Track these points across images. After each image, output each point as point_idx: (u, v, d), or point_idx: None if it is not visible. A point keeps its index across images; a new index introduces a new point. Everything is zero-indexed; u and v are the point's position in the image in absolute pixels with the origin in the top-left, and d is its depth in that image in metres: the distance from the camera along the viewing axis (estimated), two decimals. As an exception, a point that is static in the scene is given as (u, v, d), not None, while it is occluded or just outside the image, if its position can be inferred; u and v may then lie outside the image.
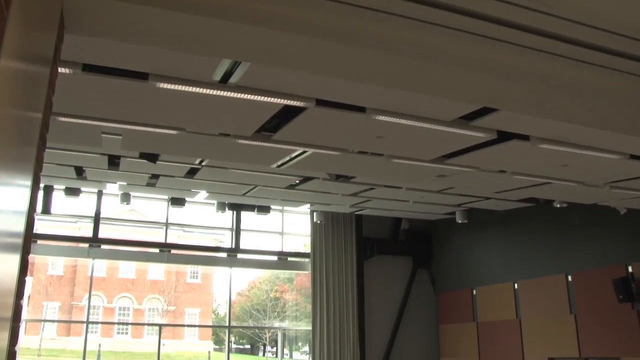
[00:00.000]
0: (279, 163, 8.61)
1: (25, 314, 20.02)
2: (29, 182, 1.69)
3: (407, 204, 12.52)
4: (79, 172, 10.67)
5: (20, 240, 1.61)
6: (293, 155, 8.19)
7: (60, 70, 4.91)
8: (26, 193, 1.68)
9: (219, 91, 5.59)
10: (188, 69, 5.22)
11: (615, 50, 4.80)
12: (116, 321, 35.39)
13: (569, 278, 12.11)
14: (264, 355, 34.73)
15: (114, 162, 9.58)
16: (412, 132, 6.73)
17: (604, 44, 4.70)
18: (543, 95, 5.35)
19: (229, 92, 5.62)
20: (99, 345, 27.24)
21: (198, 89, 5.54)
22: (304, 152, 7.97)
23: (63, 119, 6.54)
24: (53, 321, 34.55)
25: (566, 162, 7.87)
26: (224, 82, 5.52)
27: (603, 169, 8.29)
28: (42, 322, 32.92)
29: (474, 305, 14.33)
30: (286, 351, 27.90)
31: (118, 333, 34.22)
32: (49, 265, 33.95)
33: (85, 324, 16.75)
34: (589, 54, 4.82)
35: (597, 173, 8.59)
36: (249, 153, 8.05)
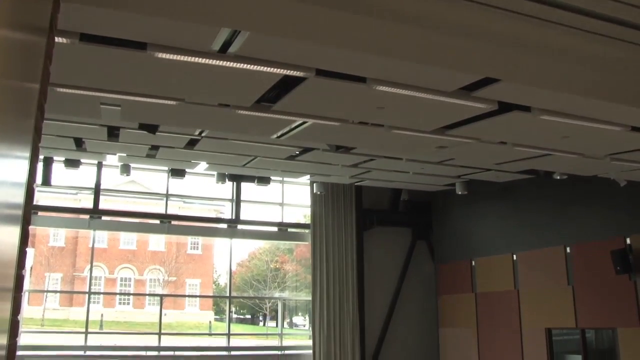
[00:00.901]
0: (279, 134, 8.58)
1: (27, 285, 20.16)
2: (27, 154, 1.68)
3: (407, 175, 12.51)
4: (79, 143, 10.64)
5: (20, 212, 1.61)
6: (293, 126, 8.15)
7: (58, 40, 4.86)
8: (25, 164, 1.67)
9: (218, 61, 5.54)
10: (187, 38, 5.16)
11: (619, 20, 4.74)
12: (118, 292, 35.72)
13: (568, 250, 12.18)
14: (264, 325, 35.13)
15: (113, 133, 9.55)
16: (412, 102, 6.69)
17: (609, 13, 4.64)
18: (545, 65, 5.31)
19: (228, 62, 5.57)
20: (101, 315, 27.58)
21: (197, 58, 5.49)
22: (303, 122, 7.94)
23: (61, 89, 6.49)
24: (55, 292, 34.88)
25: (567, 133, 7.84)
26: (223, 52, 5.47)
27: (604, 141, 8.27)
28: (45, 293, 33.23)
29: (473, 276, 14.44)
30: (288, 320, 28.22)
31: (120, 303, 34.59)
32: (50, 236, 34.16)
33: (87, 295, 16.89)
34: (593, 23, 4.76)
35: (597, 145, 8.57)
36: (248, 124, 8.02)
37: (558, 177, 11.37)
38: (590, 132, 7.64)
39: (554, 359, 12.26)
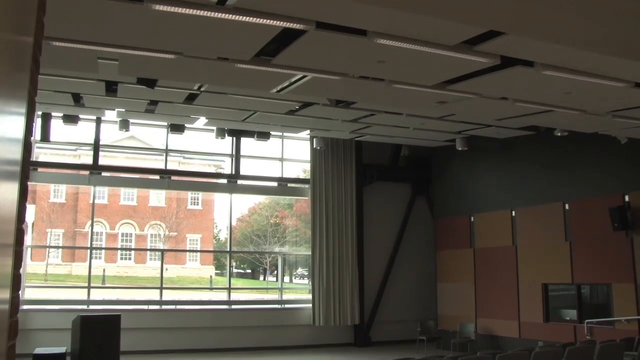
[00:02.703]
0: (279, 88, 8.50)
1: (29, 241, 20.35)
2: (23, 107, 1.66)
3: (407, 130, 12.47)
4: (77, 99, 10.56)
5: (18, 168, 1.59)
6: (293, 80, 8.07)
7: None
8: (21, 119, 1.64)
9: (216, 13, 5.44)
10: (184, -10, 5.05)
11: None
12: (119, 247, 36.05)
13: (566, 206, 12.23)
14: (264, 279, 35.58)
15: (111, 88, 9.46)
16: (413, 56, 6.60)
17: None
18: (550, 18, 5.21)
19: (227, 14, 5.47)
20: (104, 270, 27.87)
21: (195, 11, 5.38)
22: (303, 76, 7.85)
23: (57, 43, 6.40)
24: (57, 247, 35.19)
25: (569, 89, 7.76)
26: (221, 4, 5.37)
27: (606, 98, 8.20)
28: (47, 249, 33.52)
29: (472, 232, 14.55)
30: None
31: (121, 258, 34.95)
32: (51, 193, 34.25)
33: (89, 250, 17.05)
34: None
35: (600, 101, 8.50)
36: (248, 78, 7.94)
37: (559, 134, 11.34)
38: (593, 88, 7.57)
39: (549, 313, 12.46)
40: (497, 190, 14.08)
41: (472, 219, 14.57)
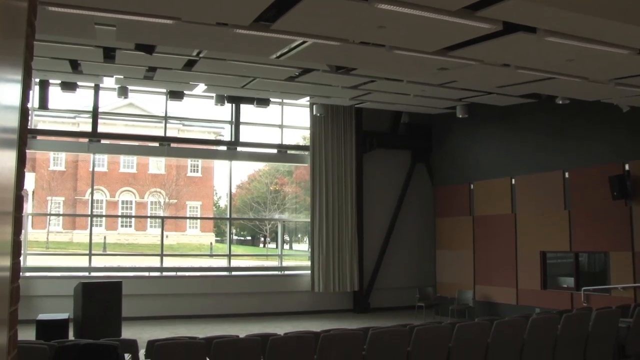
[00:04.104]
0: (278, 54, 8.41)
1: (30, 209, 20.43)
2: (19, 75, 1.63)
3: (407, 97, 12.39)
4: (74, 65, 10.46)
5: (15, 135, 1.58)
6: (292, 45, 7.98)
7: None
8: (18, 86, 1.62)
9: (214, -22, 5.35)
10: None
11: None
12: (119, 214, 36.20)
13: (566, 175, 12.23)
14: (264, 246, 35.82)
15: (109, 54, 9.36)
16: (415, 22, 6.51)
17: None
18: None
19: (226, -20, 5.38)
20: (104, 237, 28.04)
21: (193, -25, 5.29)
22: (303, 42, 7.76)
23: (54, 8, 6.31)
24: (58, 215, 35.34)
25: (572, 56, 7.68)
26: (219, -31, 5.27)
27: (610, 65, 8.11)
28: (48, 217, 33.66)
29: (471, 200, 14.58)
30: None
31: (122, 226, 35.14)
32: (50, 160, 34.24)
33: (89, 218, 17.11)
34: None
35: (603, 69, 8.42)
36: (247, 43, 7.85)
37: (560, 102, 11.25)
38: (596, 55, 7.49)
39: (547, 281, 12.57)
40: (497, 158, 14.07)
41: (472, 186, 14.58)
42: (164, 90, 13.73)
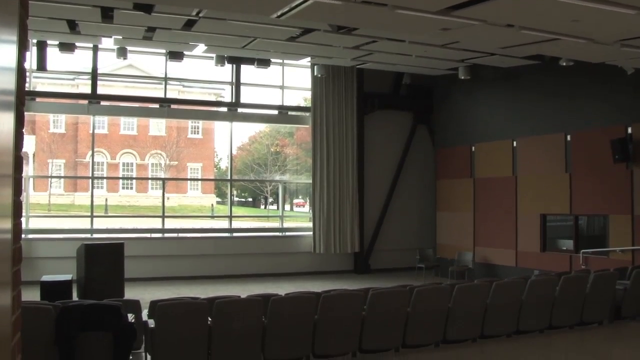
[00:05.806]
0: (279, 13, 8.27)
1: (31, 172, 20.44)
2: (14, 35, 1.60)
3: (409, 58, 12.26)
4: (72, 26, 10.32)
5: (12, 97, 1.56)
6: (293, 4, 7.84)
7: None
8: (13, 46, 1.60)
9: None
10: None
11: None
12: (120, 176, 36.26)
13: (568, 137, 12.17)
14: (265, 207, 35.96)
15: (107, 14, 9.23)
16: (418, -19, 6.39)
17: None
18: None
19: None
20: (106, 199, 28.15)
21: None
22: (304, 1, 7.63)
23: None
24: (59, 177, 35.38)
25: (577, 17, 7.55)
26: None
27: (615, 26, 7.98)
28: (49, 179, 33.72)
29: (472, 162, 14.56)
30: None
31: (123, 188, 35.22)
32: (50, 123, 34.13)
33: (90, 180, 17.15)
34: None
35: (608, 30, 8.28)
36: (247, 2, 7.73)
37: (564, 64, 11.12)
38: (602, 16, 7.36)
39: (546, 243, 12.64)
40: (498, 120, 13.99)
41: (473, 148, 14.54)
42: (164, 51, 13.59)
